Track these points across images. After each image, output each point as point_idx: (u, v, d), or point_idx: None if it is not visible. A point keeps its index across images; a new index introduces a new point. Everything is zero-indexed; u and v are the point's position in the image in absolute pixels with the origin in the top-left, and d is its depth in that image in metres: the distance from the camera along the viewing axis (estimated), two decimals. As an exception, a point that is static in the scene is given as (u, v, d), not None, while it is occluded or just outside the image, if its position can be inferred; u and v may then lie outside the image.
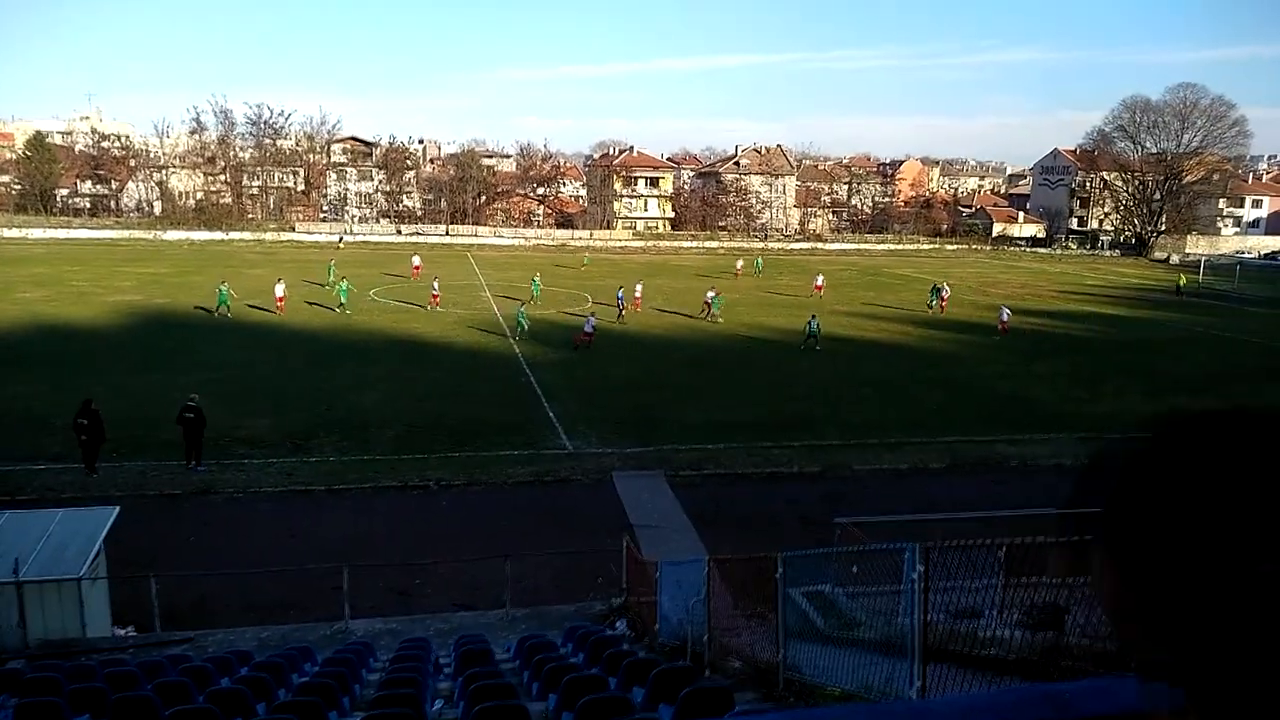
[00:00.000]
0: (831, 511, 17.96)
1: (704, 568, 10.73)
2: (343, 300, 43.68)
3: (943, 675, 6.58)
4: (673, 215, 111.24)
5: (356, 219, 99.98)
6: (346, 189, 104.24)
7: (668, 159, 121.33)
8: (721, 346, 38.72)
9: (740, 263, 69.44)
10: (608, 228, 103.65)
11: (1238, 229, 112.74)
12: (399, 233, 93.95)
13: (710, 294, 45.91)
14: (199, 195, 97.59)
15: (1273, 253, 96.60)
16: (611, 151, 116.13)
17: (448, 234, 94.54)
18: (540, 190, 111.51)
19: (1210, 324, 48.97)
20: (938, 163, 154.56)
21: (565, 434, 25.16)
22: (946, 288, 52.01)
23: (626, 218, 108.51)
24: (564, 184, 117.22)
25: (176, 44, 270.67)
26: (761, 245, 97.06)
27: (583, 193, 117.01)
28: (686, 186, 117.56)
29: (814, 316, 39.33)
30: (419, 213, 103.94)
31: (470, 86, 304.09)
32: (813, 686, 7.89)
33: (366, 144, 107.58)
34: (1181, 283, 65.44)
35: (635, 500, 20.32)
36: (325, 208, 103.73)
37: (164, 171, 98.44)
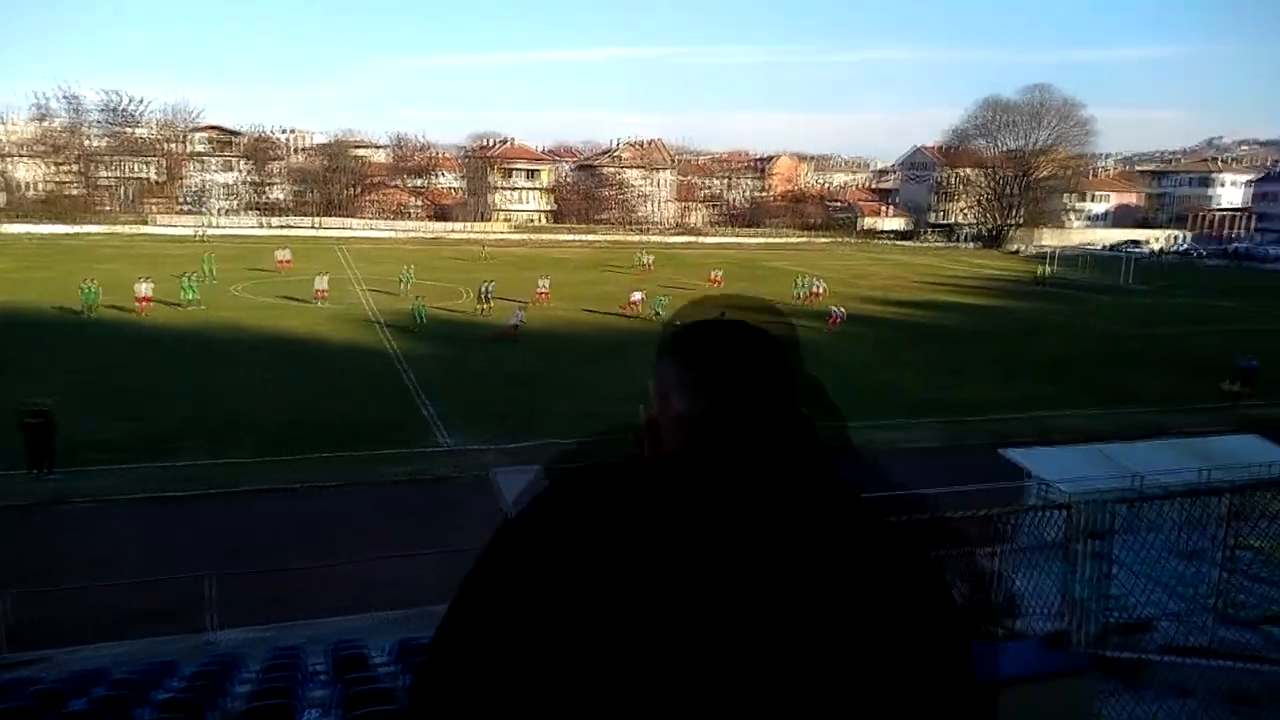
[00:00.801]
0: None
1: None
2: (190, 296, 41.82)
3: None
4: (551, 208, 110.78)
5: (219, 211, 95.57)
6: (208, 180, 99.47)
7: (546, 151, 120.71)
8: (620, 339, 38.82)
9: (650, 257, 69.62)
10: (485, 220, 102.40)
11: (1084, 222, 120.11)
12: (265, 225, 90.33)
13: (637, 295, 44.90)
14: (46, 186, 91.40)
15: (1115, 245, 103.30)
16: (489, 143, 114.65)
17: (317, 226, 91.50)
18: (415, 182, 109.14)
19: (1060, 311, 52.03)
20: (809, 158, 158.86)
21: (444, 431, 24.76)
22: (820, 283, 53.32)
23: (505, 210, 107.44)
24: (440, 175, 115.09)
25: (17, 26, 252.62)
26: (640, 238, 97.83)
27: (460, 184, 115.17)
28: (566, 179, 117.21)
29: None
30: (287, 205, 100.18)
31: (343, 75, 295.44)
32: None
33: (230, 133, 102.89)
34: (1039, 273, 69.88)
35: (515, 496, 20.14)
36: (185, 200, 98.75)
37: (4, 161, 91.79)
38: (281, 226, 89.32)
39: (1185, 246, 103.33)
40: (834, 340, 40.49)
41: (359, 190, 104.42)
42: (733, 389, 1.34)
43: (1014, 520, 8.19)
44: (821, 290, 52.15)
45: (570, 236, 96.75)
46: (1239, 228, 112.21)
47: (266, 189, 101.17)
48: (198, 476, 20.55)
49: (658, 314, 41.26)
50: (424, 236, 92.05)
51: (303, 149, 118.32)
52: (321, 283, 45.21)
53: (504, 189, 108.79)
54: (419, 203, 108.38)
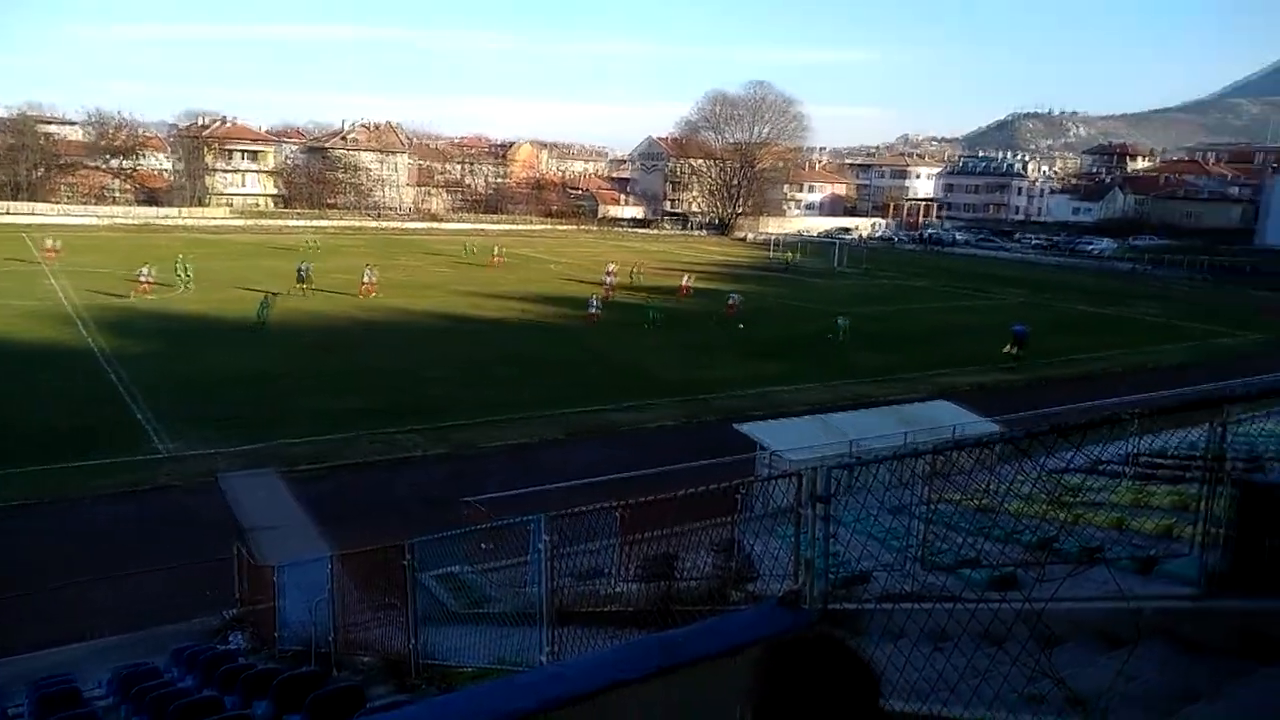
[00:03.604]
0: (459, 492, 18.06)
1: (328, 565, 10.23)
2: None
3: (572, 637, 6.86)
4: (277, 192, 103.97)
5: None
6: None
7: (269, 132, 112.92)
8: (353, 331, 37.14)
9: (498, 249, 67.77)
10: (202, 205, 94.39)
11: (801, 211, 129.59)
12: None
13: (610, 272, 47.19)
14: None
15: (827, 232, 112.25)
16: (205, 122, 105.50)
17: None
18: (119, 163, 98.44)
19: (784, 294, 55.84)
20: (549, 145, 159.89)
21: (162, 436, 22.62)
22: (612, 273, 54.47)
23: (224, 194, 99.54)
24: (148, 156, 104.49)
25: None
26: (377, 224, 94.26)
27: (171, 167, 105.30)
28: (292, 162, 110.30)
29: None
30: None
31: (28, 43, 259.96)
32: (446, 669, 7.86)
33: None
34: (787, 259, 75.10)
35: (247, 502, 18.85)
36: None
37: None
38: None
39: (887, 233, 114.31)
40: (582, 327, 41.16)
41: (49, 172, 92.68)
42: None
43: (749, 490, 8.69)
44: (611, 281, 52.78)
45: (300, 222, 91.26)
46: (931, 216, 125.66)
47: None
48: None
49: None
50: (130, 223, 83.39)
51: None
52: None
53: (223, 172, 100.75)
54: (124, 186, 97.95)
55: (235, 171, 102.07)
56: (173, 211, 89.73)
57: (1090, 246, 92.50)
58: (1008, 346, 36.66)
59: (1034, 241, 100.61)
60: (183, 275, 45.82)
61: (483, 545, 9.23)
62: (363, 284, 46.12)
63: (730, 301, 45.87)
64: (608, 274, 53.99)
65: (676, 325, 41.99)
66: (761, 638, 3.64)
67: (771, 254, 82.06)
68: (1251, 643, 4.23)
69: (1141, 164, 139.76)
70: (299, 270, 47.16)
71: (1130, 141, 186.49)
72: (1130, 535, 8.02)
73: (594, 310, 42.64)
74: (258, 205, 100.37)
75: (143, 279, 43.54)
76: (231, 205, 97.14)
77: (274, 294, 39.95)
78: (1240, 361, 37.68)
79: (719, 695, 3.28)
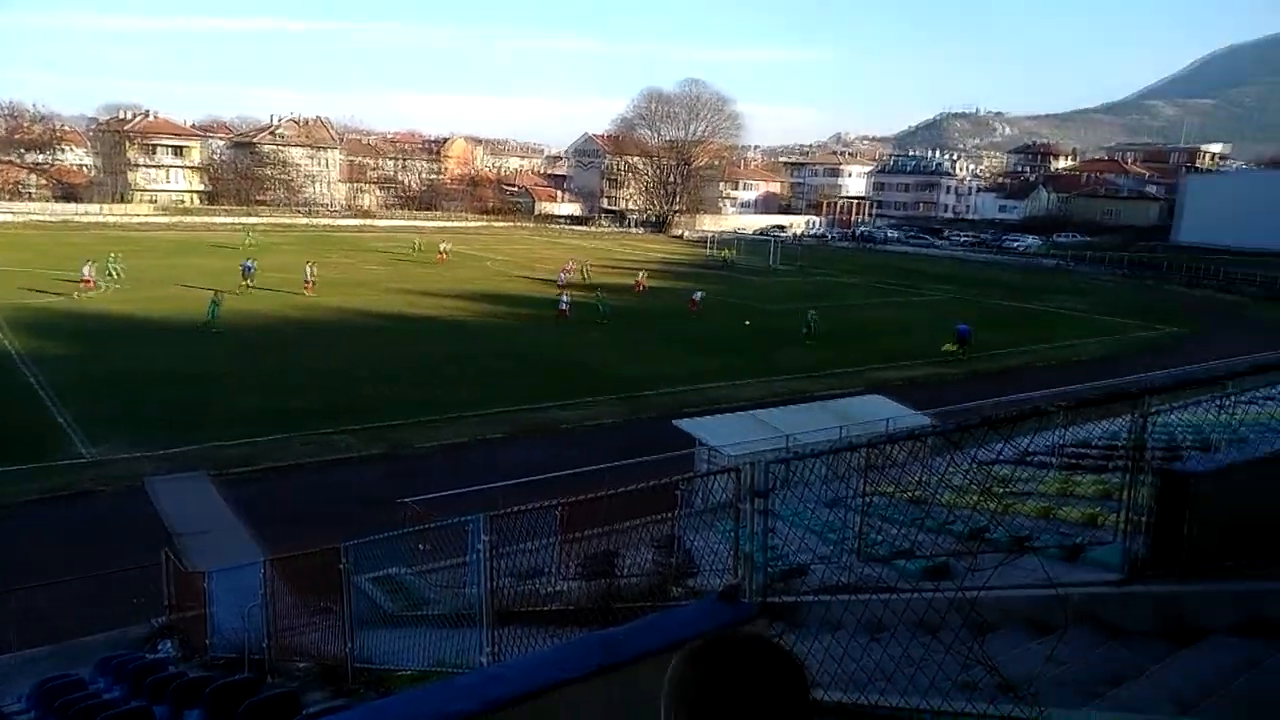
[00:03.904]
0: (397, 492, 17.82)
1: (261, 569, 10.00)
2: None
3: (513, 637, 6.83)
4: (203, 188, 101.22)
5: None
6: None
7: (195, 126, 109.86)
8: (287, 330, 36.34)
9: (444, 245, 66.97)
10: (125, 201, 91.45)
11: (737, 209, 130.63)
12: None
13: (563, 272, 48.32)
14: None
15: (762, 229, 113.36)
16: (124, 115, 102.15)
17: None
18: (32, 157, 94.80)
19: (722, 291, 56.18)
20: (483, 142, 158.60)
21: (85, 440, 21.87)
22: (569, 269, 54.92)
23: (148, 190, 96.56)
24: (64, 151, 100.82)
25: None
26: (308, 221, 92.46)
27: (91, 161, 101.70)
28: (219, 157, 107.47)
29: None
30: None
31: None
32: (384, 673, 7.75)
33: None
34: (725, 257, 75.82)
35: (176, 507, 18.34)
36: None
37: None
38: None
39: (821, 230, 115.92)
40: (523, 324, 40.93)
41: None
42: None
43: (688, 486, 8.73)
44: (567, 274, 52.87)
45: (228, 219, 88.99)
46: (863, 214, 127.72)
47: None
48: None
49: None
50: (48, 220, 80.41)
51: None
52: None
53: (146, 167, 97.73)
54: (41, 181, 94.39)
55: (159, 167, 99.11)
56: (93, 208, 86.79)
57: (1016, 244, 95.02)
58: (950, 345, 37.47)
59: (962, 239, 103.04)
60: (114, 274, 44.58)
61: (420, 546, 9.12)
62: (305, 282, 45.48)
63: (694, 298, 46.54)
64: (564, 270, 54.36)
65: (628, 322, 42.01)
66: (701, 632, 3.67)
67: (709, 251, 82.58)
68: (1171, 626, 4.38)
69: (1064, 163, 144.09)
70: (244, 267, 46.66)
71: (1053, 141, 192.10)
72: (1057, 524, 8.26)
73: (564, 307, 42.50)
74: (183, 202, 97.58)
75: (85, 277, 42.43)
76: (155, 202, 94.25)
77: (222, 292, 39.02)
78: (1158, 354, 39.11)
79: (661, 691, 3.29)
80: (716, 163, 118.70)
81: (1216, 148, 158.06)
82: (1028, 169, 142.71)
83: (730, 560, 4.12)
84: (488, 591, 6.70)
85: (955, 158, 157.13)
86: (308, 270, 46.06)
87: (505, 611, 7.11)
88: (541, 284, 53.87)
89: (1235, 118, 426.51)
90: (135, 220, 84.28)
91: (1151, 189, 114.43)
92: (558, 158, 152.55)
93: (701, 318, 44.43)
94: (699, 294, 47.21)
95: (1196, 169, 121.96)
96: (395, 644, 8.11)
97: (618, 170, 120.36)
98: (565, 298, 43.52)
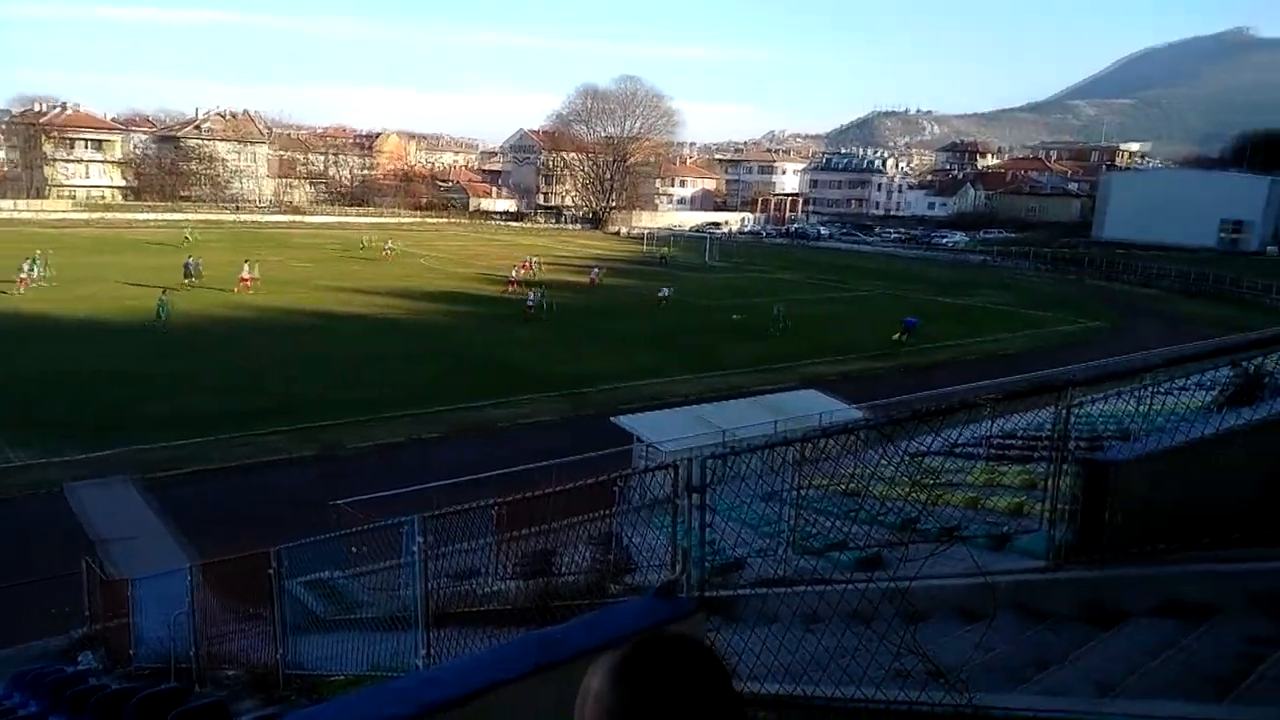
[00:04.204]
0: (329, 494, 17.50)
1: (188, 576, 9.73)
2: None
3: (449, 639, 6.76)
4: (126, 183, 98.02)
5: None
6: None
7: (116, 120, 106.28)
8: (206, 329, 35.36)
9: (389, 243, 66.72)
10: (40, 197, 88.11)
11: (673, 205, 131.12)
12: None
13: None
14: None
15: (699, 226, 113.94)
16: (40, 108, 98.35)
17: None
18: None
19: (658, 288, 56.28)
20: (417, 137, 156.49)
21: (2, 443, 21.02)
22: (527, 265, 55.75)
23: (65, 186, 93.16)
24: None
25: None
26: (235, 217, 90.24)
27: (3, 156, 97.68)
28: (142, 152, 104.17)
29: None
30: None
31: None
32: (317, 679, 7.61)
33: None
34: (663, 254, 76.52)
35: (98, 513, 17.74)
36: None
37: None
38: None
39: (756, 227, 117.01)
40: (459, 322, 40.49)
41: None
42: None
43: (626, 483, 8.74)
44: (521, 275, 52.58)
45: (151, 216, 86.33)
46: (798, 211, 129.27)
47: None
48: None
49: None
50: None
51: None
52: None
53: (64, 162, 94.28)
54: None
55: (78, 162, 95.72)
56: (6, 204, 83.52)
57: (945, 240, 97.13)
58: (897, 334, 38.70)
59: (893, 235, 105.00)
60: (42, 271, 43.26)
61: (354, 549, 8.97)
62: (241, 279, 44.53)
63: (661, 294, 47.36)
64: (521, 268, 54.76)
65: (569, 319, 41.79)
66: (640, 628, 3.68)
67: (646, 249, 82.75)
68: (1093, 611, 4.52)
69: (991, 161, 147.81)
70: (186, 265, 45.89)
71: (980, 140, 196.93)
72: (985, 514, 8.47)
73: (530, 305, 42.40)
74: (104, 198, 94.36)
75: (23, 274, 41.63)
76: (75, 198, 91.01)
77: (168, 289, 38.01)
78: (1080, 346, 40.38)
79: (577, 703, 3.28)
80: (653, 159, 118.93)
81: (1135, 146, 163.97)
82: (956, 167, 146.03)
83: (668, 556, 4.14)
84: (423, 593, 6.61)
85: (886, 156, 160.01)
86: (245, 268, 45.14)
87: (442, 613, 7.04)
88: (478, 281, 53.44)
89: (1151, 118, 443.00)
90: (53, 217, 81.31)
91: (1074, 186, 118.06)
92: (493, 153, 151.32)
93: (642, 314, 44.50)
94: (666, 290, 48.53)
95: (1116, 167, 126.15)
96: (328, 649, 7.96)
97: (554, 166, 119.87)
98: (533, 295, 43.43)
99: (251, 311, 39.52)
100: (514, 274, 52.53)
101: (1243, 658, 3.63)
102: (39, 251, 46.23)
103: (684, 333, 40.25)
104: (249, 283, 44.36)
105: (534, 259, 60.62)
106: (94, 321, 35.25)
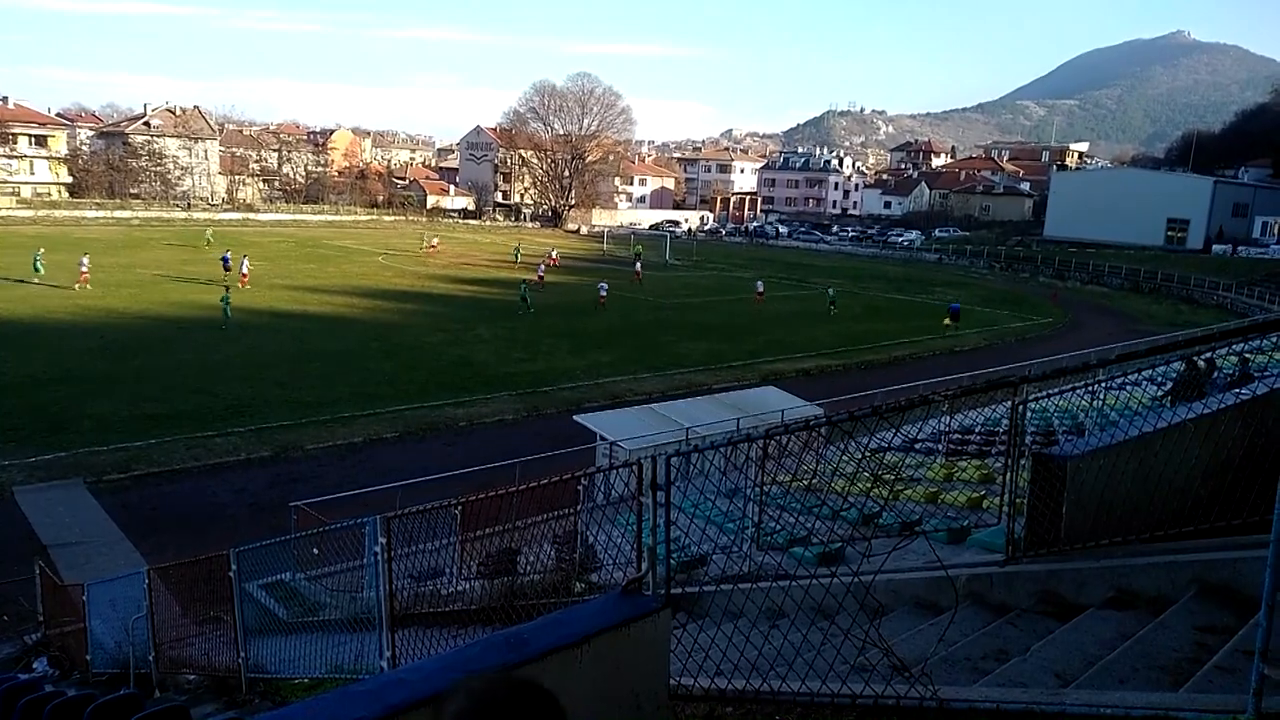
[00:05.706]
0: (287, 496, 17.27)
1: (144, 580, 9.56)
2: None
3: (413, 640, 6.72)
4: (69, 180, 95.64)
5: None
6: None
7: (58, 114, 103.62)
8: (142, 329, 34.59)
9: (435, 239, 67.38)
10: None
11: (630, 204, 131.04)
12: None
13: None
14: None
15: (656, 224, 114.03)
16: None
17: None
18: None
19: (620, 285, 56.18)
20: (370, 134, 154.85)
21: (-61, 449, 20.44)
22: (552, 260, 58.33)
23: (8, 182, 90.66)
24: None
25: None
26: (185, 215, 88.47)
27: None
28: (86, 148, 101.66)
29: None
30: None
31: None
32: (278, 682, 7.52)
33: None
34: (639, 251, 75.94)
35: (48, 517, 17.34)
36: None
37: None
38: None
39: (713, 226, 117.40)
40: (415, 321, 40.10)
41: None
42: None
43: (590, 481, 8.75)
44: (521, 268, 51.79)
45: (97, 213, 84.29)
46: (755, 209, 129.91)
47: None
48: None
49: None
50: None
51: None
52: None
53: (5, 157, 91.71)
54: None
55: (19, 157, 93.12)
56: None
57: (899, 238, 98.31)
58: (946, 320, 42.60)
59: (849, 234, 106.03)
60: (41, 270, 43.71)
61: (314, 550, 8.87)
62: (243, 274, 45.39)
63: (601, 292, 47.40)
64: (549, 261, 59.37)
65: (497, 317, 41.58)
66: (605, 626, 3.70)
67: (605, 247, 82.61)
68: (1049, 602, 4.63)
69: (943, 161, 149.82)
70: (224, 260, 47.86)
71: (932, 139, 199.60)
72: (944, 508, 8.62)
73: (603, 295, 46.20)
74: (48, 194, 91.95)
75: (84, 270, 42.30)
76: (17, 194, 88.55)
77: (227, 287, 39.24)
78: (1031, 343, 41.13)
79: (568, 687, 3.29)
80: (609, 157, 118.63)
81: (1082, 146, 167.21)
82: (909, 166, 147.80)
83: (632, 553, 4.15)
84: (386, 594, 6.57)
85: (841, 154, 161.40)
86: (244, 264, 46.19)
87: (404, 614, 7.00)
88: (432, 279, 53.02)
89: (1097, 118, 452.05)
90: (-6, 214, 79.14)
91: (1024, 186, 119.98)
92: (449, 150, 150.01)
93: (600, 312, 44.41)
94: (636, 266, 52.74)
95: (1066, 167, 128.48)
96: (290, 652, 7.88)
97: (510, 164, 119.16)
98: (604, 285, 47.33)
99: (202, 311, 38.67)
100: (541, 268, 54.46)
101: (1196, 647, 3.75)
102: (39, 250, 46.22)
103: (644, 330, 40.28)
104: (244, 279, 44.92)
105: (555, 251, 64.73)
106: (37, 321, 34.32)
